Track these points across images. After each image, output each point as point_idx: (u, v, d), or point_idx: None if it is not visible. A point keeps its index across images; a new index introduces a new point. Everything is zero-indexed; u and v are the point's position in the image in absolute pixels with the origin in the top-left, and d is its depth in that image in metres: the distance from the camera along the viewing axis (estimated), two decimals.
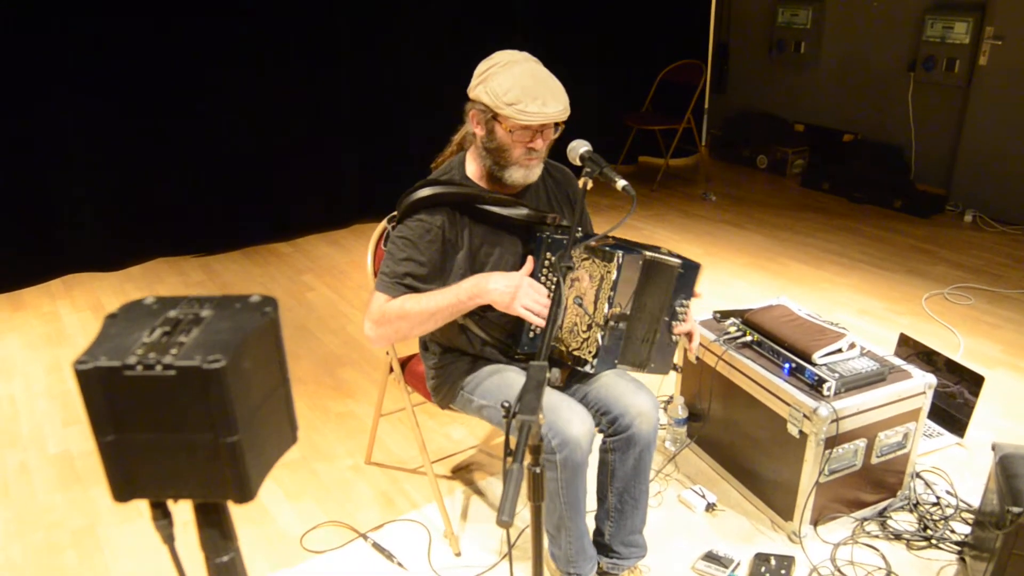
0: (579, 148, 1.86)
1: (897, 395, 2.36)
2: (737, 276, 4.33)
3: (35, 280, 4.24)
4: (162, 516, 0.79)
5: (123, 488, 0.72)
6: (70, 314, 3.93)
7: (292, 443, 0.81)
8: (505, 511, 1.07)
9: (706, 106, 7.00)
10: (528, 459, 1.22)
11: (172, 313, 0.74)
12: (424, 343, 2.22)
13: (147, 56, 4.16)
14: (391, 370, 2.45)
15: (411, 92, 5.00)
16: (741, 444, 2.60)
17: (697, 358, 2.71)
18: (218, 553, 0.81)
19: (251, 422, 0.72)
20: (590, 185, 1.77)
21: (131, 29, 4.07)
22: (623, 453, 2.05)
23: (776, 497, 2.46)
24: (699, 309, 2.15)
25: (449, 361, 2.15)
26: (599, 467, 2.12)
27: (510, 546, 2.40)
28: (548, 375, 1.21)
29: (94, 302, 4.07)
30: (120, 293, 4.22)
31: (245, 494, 0.73)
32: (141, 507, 2.57)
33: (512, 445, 1.21)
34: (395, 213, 2.05)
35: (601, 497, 2.16)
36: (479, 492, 2.65)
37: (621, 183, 1.77)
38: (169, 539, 0.80)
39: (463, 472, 2.75)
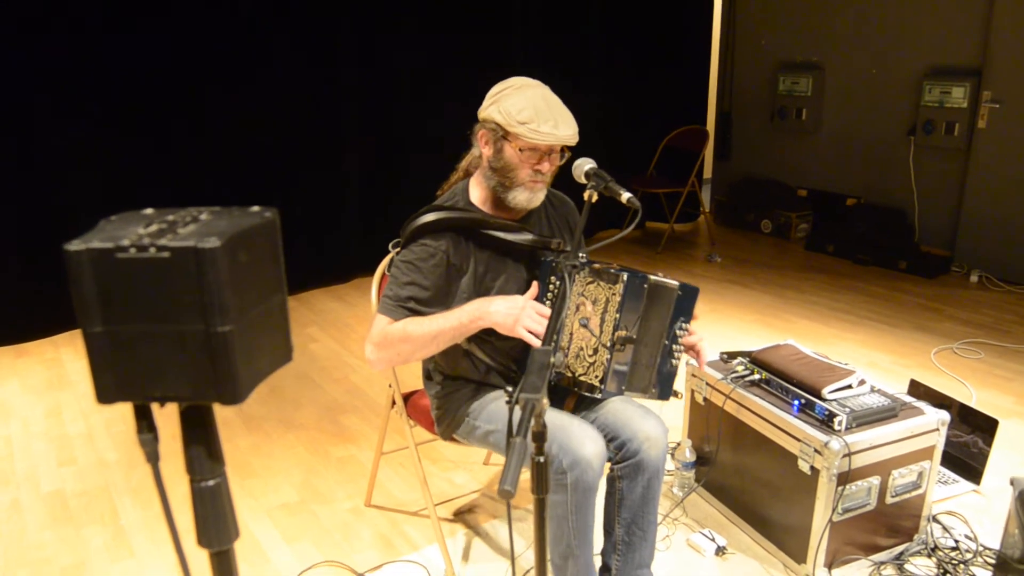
0: (584, 165, 1.87)
1: (909, 431, 2.31)
2: (743, 332, 4.30)
3: (42, 335, 4.20)
4: (147, 429, 0.76)
5: (108, 388, 0.69)
6: (73, 361, 3.90)
7: (286, 361, 0.78)
8: (507, 480, 1.03)
9: (708, 175, 7.08)
10: (532, 447, 1.18)
11: (170, 217, 0.73)
12: (428, 372, 2.19)
13: (152, 120, 4.27)
14: (393, 404, 2.41)
15: (414, 147, 5.08)
16: (751, 486, 2.52)
17: (704, 399, 2.66)
18: (204, 476, 0.77)
19: (244, 320, 0.69)
20: (595, 198, 1.77)
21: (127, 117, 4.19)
22: (631, 480, 1.99)
23: (788, 539, 2.38)
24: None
25: (453, 389, 2.11)
26: (606, 497, 2.06)
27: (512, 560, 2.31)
28: (552, 360, 1.19)
29: None
30: None
31: (234, 394, 0.70)
32: (132, 546, 2.50)
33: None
34: (399, 239, 2.05)
35: (608, 530, 2.09)
36: (482, 534, 2.56)
37: (626, 195, 1.77)
38: (153, 457, 0.76)
39: (465, 515, 2.68)
